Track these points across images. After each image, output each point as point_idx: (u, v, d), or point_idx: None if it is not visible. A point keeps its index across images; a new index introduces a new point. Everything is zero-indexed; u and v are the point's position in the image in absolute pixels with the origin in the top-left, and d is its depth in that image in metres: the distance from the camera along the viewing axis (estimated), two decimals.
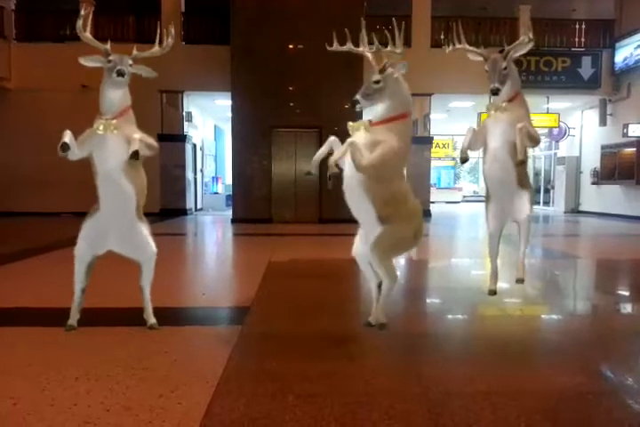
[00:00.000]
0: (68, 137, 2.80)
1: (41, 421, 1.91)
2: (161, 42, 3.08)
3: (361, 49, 2.93)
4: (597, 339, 3.08)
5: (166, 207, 11.88)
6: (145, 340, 2.86)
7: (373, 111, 2.83)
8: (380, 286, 2.94)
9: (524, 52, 3.33)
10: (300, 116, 10.73)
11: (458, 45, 3.38)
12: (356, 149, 2.68)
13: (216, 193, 15.80)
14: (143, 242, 2.94)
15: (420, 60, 12.39)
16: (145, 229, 2.96)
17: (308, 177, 3.20)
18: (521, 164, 3.24)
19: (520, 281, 3.45)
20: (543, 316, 3.28)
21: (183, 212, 12.42)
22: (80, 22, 2.89)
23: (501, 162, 3.32)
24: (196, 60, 11.73)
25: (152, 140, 2.95)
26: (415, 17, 12.40)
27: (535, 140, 3.33)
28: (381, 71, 2.76)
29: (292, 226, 10.14)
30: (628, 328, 3.33)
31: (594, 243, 8.70)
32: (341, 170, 2.79)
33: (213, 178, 16.08)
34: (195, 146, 13.73)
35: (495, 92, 3.15)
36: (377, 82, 2.76)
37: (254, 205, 10.79)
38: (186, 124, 12.50)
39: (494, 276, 3.59)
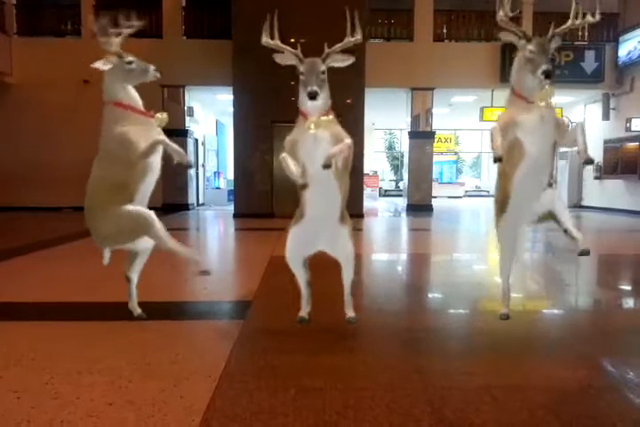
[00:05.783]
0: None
1: (44, 414, 1.92)
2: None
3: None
4: (599, 333, 3.08)
5: (168, 202, 11.89)
6: (147, 334, 2.88)
7: (310, 105, 2.70)
8: (306, 283, 2.95)
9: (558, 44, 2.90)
10: None
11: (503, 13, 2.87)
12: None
13: (218, 188, 15.79)
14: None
15: (422, 55, 12.39)
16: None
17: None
18: (589, 163, 2.83)
19: (586, 253, 2.93)
20: (545, 311, 3.28)
21: (185, 207, 12.43)
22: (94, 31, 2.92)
23: (544, 172, 2.90)
24: (197, 55, 11.70)
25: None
26: (417, 11, 12.35)
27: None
28: (324, 61, 2.70)
29: None
30: (630, 323, 3.33)
31: (596, 238, 8.68)
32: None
33: (215, 173, 16.07)
34: (196, 141, 13.72)
35: (549, 75, 2.70)
36: (323, 72, 2.68)
37: (256, 200, 10.79)
38: (187, 118, 12.49)
39: (506, 298, 3.17)
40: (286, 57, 2.76)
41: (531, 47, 2.80)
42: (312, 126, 2.69)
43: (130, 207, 2.87)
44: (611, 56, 12.63)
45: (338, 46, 2.77)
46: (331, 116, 2.75)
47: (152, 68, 2.95)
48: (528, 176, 2.86)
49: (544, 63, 2.73)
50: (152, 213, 2.90)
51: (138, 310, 3.14)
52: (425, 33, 12.43)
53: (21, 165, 11.75)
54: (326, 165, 2.59)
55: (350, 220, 2.94)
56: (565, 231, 2.96)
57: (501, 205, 2.98)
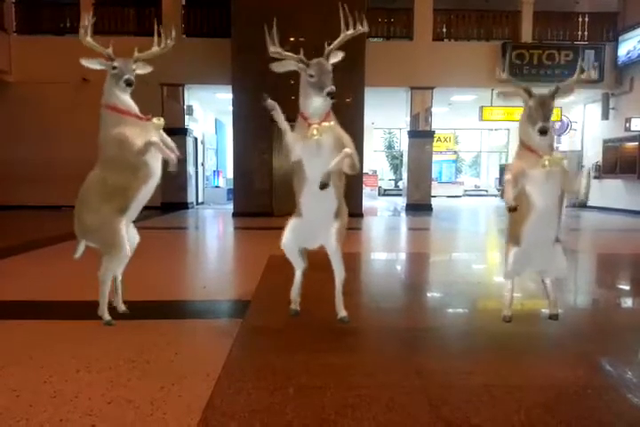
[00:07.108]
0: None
1: (43, 412, 1.92)
2: (160, 40, 3.06)
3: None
4: (598, 333, 3.09)
5: (167, 201, 11.88)
6: (146, 333, 2.87)
7: (310, 107, 2.72)
8: (301, 272, 3.02)
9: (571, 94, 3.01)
10: None
11: (503, 76, 3.04)
12: (354, 157, 2.70)
13: (217, 187, 15.78)
14: None
15: (421, 54, 12.38)
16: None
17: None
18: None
19: (554, 317, 3.09)
20: (543, 310, 3.28)
21: (184, 205, 12.42)
22: (82, 30, 2.89)
23: (552, 222, 2.94)
24: (196, 53, 11.67)
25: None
26: (417, 10, 12.33)
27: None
28: (327, 59, 2.69)
29: None
30: (629, 322, 3.34)
31: (595, 237, 8.70)
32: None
33: (214, 172, 16.06)
34: (196, 139, 13.70)
35: (545, 132, 2.72)
36: (331, 71, 2.66)
37: (255, 199, 10.78)
38: (187, 117, 12.47)
39: (509, 303, 3.15)
40: (284, 65, 2.76)
41: (530, 103, 2.82)
42: (315, 132, 2.68)
43: (122, 229, 2.92)
44: (610, 56, 12.62)
45: (337, 42, 2.76)
46: (332, 122, 2.74)
47: (126, 77, 2.84)
48: (536, 226, 2.91)
49: (540, 120, 2.73)
50: (127, 250, 2.94)
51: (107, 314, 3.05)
52: (425, 32, 12.42)
53: (20, 164, 11.73)
54: (323, 185, 2.63)
55: (347, 215, 2.96)
56: (543, 282, 3.15)
57: (514, 239, 3.02)
